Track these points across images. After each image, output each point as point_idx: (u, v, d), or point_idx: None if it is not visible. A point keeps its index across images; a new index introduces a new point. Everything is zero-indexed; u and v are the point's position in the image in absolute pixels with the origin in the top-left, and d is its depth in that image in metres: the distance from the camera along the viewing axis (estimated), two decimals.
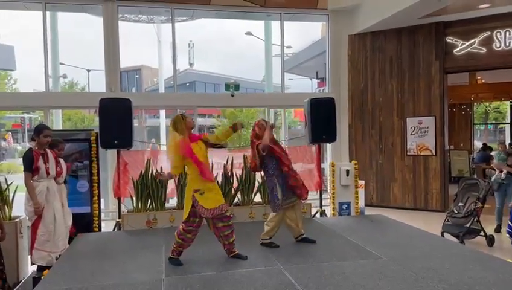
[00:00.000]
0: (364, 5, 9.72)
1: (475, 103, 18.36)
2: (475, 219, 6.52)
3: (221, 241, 4.16)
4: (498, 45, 8.84)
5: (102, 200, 6.62)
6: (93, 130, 6.19)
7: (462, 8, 8.70)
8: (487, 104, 23.16)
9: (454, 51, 9.28)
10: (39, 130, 4.72)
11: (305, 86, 17.02)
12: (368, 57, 10.18)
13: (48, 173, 4.63)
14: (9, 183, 5.51)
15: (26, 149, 4.87)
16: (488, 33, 8.93)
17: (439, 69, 9.35)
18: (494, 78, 13.10)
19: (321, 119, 6.58)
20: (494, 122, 28.13)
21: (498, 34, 8.84)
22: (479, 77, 13.43)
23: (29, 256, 4.85)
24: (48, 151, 4.76)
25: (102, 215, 6.67)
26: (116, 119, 5.85)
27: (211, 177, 4.11)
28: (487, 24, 8.93)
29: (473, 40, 9.07)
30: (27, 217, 4.79)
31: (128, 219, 5.93)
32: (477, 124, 23.23)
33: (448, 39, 9.33)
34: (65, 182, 5.19)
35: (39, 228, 4.54)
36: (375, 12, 9.34)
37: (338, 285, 3.38)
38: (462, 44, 9.19)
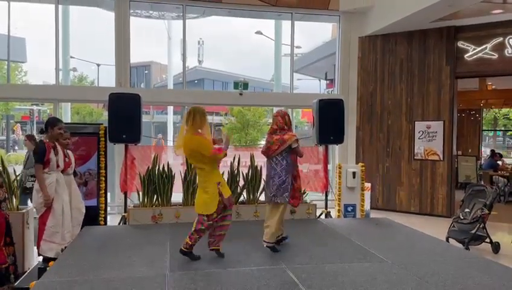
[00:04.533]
0: (376, 7, 9.68)
1: (484, 109, 18.24)
2: (481, 226, 6.48)
3: (214, 231, 4.14)
4: (510, 51, 8.77)
5: (108, 194, 6.64)
6: (102, 124, 6.23)
7: (474, 13, 8.64)
8: (497, 110, 23.03)
9: (466, 55, 9.22)
10: (52, 123, 4.75)
11: (313, 86, 17.00)
12: (378, 59, 10.14)
13: (58, 166, 4.66)
14: (17, 174, 5.56)
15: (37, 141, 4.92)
16: (500, 39, 8.86)
17: (450, 73, 9.30)
18: (504, 85, 12.99)
19: (329, 120, 6.56)
20: (503, 129, 27.95)
21: (510, 40, 8.77)
22: (489, 83, 13.33)
23: (36, 247, 4.89)
24: (57, 144, 4.80)
25: (108, 209, 6.71)
26: (125, 114, 5.87)
27: (220, 152, 4.11)
28: (499, 30, 8.86)
29: (485, 46, 9.01)
30: (35, 209, 4.82)
31: (134, 214, 5.96)
32: (485, 130, 23.11)
33: (460, 44, 9.27)
34: (75, 174, 5.22)
35: (48, 219, 4.57)
36: (386, 14, 9.31)
37: (341, 286, 3.37)
38: (474, 49, 9.12)
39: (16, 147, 22.65)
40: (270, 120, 4.98)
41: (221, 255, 4.13)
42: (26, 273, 4.89)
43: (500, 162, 13.49)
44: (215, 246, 4.15)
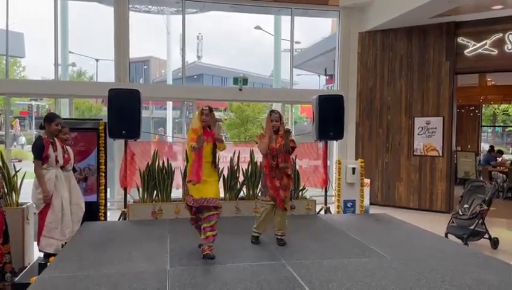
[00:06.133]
0: (376, 2, 9.66)
1: (483, 105, 18.25)
2: (480, 221, 6.51)
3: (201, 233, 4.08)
4: (510, 47, 8.78)
5: (108, 189, 6.64)
6: (101, 119, 6.22)
7: (474, 9, 8.63)
8: (496, 106, 23.05)
9: (465, 51, 9.21)
10: (50, 119, 4.73)
11: (313, 82, 17.00)
12: (378, 55, 10.13)
13: (57, 162, 4.65)
14: (17, 169, 5.56)
15: (35, 137, 4.90)
16: (500, 35, 8.86)
17: (449, 69, 9.30)
18: (504, 81, 13.00)
19: (329, 116, 6.56)
20: (502, 124, 28.00)
21: (510, 35, 8.77)
22: (488, 79, 13.35)
23: (36, 243, 4.89)
24: (56, 139, 4.79)
25: (108, 204, 6.71)
26: (125, 109, 5.86)
27: (195, 178, 3.95)
28: (499, 25, 8.87)
29: (485, 41, 9.01)
30: (34, 205, 4.82)
31: (133, 209, 5.96)
32: (485, 126, 23.14)
33: (460, 39, 9.26)
34: (74, 170, 5.21)
35: (47, 215, 4.57)
36: (386, 10, 9.29)
37: (341, 282, 3.38)
38: (474, 45, 9.12)
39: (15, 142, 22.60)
40: None
41: (208, 258, 3.86)
42: (26, 269, 4.90)
43: (499, 159, 13.52)
44: (203, 250, 3.94)
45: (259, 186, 4.61)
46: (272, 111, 4.54)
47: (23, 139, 22.97)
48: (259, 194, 4.63)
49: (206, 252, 3.86)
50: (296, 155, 6.87)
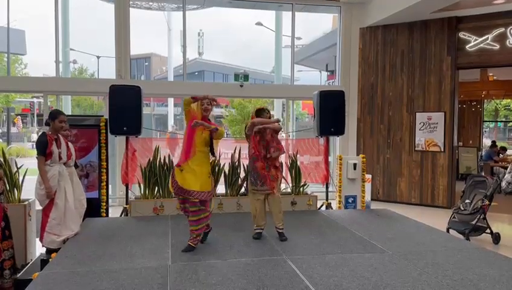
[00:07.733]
0: None
1: (485, 100, 18.19)
2: (481, 216, 6.50)
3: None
4: (511, 42, 8.74)
5: (109, 186, 6.65)
6: (102, 116, 6.22)
7: (476, 3, 8.59)
8: (498, 101, 23.00)
9: (467, 46, 9.18)
10: (54, 115, 4.73)
11: (314, 78, 16.98)
12: (379, 50, 10.10)
13: (60, 158, 4.66)
14: (19, 166, 5.57)
15: (39, 134, 4.89)
16: (502, 29, 8.82)
17: (451, 64, 9.26)
18: (505, 76, 12.97)
19: (330, 111, 6.56)
20: (504, 120, 27.95)
21: None
22: (490, 74, 13.29)
23: (38, 239, 4.89)
24: (60, 136, 4.79)
25: (110, 201, 6.73)
26: (126, 105, 5.87)
27: (182, 158, 4.09)
28: (501, 20, 8.83)
29: (486, 36, 8.97)
30: (38, 202, 4.81)
31: (135, 206, 5.98)
32: (486, 121, 23.10)
33: (461, 34, 9.23)
34: (76, 166, 5.22)
35: (51, 211, 4.57)
36: (387, 5, 9.26)
37: (343, 277, 3.39)
38: (475, 40, 9.08)
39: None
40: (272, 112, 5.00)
41: (186, 250, 4.04)
42: (28, 265, 4.91)
43: (501, 155, 13.48)
44: (188, 239, 4.12)
45: (248, 177, 4.63)
46: (262, 109, 4.84)
47: (34, 136, 23.03)
48: (249, 185, 4.65)
49: (187, 244, 4.07)
50: (297, 151, 6.91)
